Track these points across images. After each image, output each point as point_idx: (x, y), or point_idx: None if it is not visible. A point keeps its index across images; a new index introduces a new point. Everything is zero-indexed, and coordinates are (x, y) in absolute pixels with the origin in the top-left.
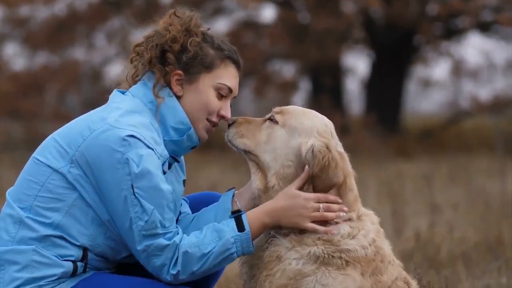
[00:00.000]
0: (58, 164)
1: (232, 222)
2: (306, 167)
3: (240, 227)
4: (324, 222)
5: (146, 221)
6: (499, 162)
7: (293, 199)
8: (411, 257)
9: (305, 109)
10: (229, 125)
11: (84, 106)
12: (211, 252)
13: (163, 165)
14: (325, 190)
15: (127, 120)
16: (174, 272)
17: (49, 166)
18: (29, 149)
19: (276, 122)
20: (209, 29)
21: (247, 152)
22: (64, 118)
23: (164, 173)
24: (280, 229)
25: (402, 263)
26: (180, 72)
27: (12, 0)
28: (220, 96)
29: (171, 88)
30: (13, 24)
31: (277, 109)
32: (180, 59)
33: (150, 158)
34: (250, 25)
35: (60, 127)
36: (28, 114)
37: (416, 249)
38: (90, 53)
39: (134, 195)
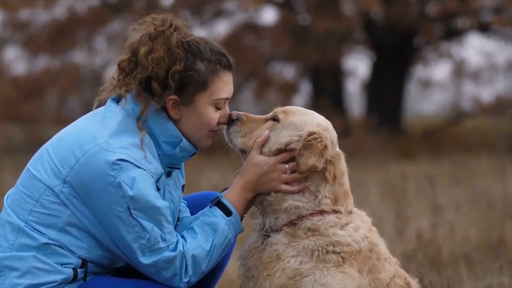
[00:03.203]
0: (51, 182)
1: (218, 210)
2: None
3: (227, 211)
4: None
5: (148, 239)
6: (500, 162)
7: (260, 167)
8: (413, 257)
9: (307, 110)
10: (231, 121)
11: (85, 109)
12: (213, 246)
13: (157, 181)
14: (304, 171)
15: (117, 141)
16: (187, 279)
17: (42, 182)
18: (30, 153)
19: (278, 121)
20: (191, 35)
21: (244, 151)
22: (65, 121)
23: (158, 189)
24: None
25: (404, 263)
26: (174, 97)
27: (13, 4)
28: (219, 108)
29: (167, 112)
30: (14, 28)
31: (279, 109)
32: (169, 83)
33: (143, 179)
34: (251, 27)
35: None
36: (29, 118)
37: (418, 250)
38: (91, 57)
39: (132, 216)
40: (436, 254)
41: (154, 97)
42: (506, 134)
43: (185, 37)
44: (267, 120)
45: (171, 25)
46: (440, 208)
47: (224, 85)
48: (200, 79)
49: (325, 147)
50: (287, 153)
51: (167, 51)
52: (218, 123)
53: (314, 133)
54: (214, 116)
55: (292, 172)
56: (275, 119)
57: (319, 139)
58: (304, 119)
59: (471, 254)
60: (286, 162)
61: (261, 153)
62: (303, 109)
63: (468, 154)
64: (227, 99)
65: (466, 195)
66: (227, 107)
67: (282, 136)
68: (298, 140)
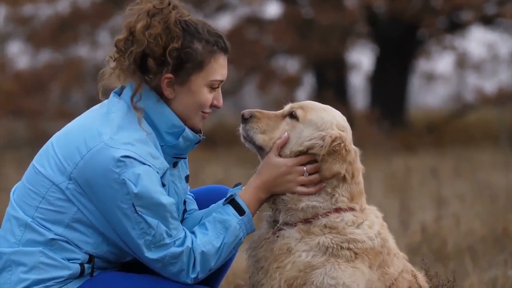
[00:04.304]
0: (56, 179)
1: (231, 209)
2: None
3: (240, 210)
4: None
5: (153, 235)
6: (503, 154)
7: (277, 169)
8: (418, 250)
9: (324, 105)
10: (245, 119)
11: (88, 104)
12: (223, 244)
13: (162, 177)
14: (328, 177)
15: (122, 137)
16: (194, 275)
17: (48, 179)
18: (32, 147)
19: (297, 119)
20: (189, 15)
21: (262, 149)
22: (67, 116)
23: (164, 185)
24: (275, 205)
25: (409, 256)
26: (170, 75)
27: None
28: (213, 89)
29: (162, 91)
30: (17, 22)
31: (295, 104)
32: (165, 61)
33: (148, 176)
34: (254, 21)
35: (63, 125)
36: (32, 113)
37: (423, 242)
38: (94, 51)
39: (137, 213)
40: (440, 246)
41: (149, 75)
42: (508, 126)
43: (183, 17)
44: (284, 116)
45: (169, 4)
46: (444, 200)
47: (220, 67)
48: (197, 59)
49: (348, 151)
50: (307, 156)
51: (165, 28)
52: (211, 106)
53: (337, 138)
54: (208, 97)
55: (310, 174)
56: (293, 115)
57: (342, 144)
58: (324, 117)
59: (476, 246)
60: (304, 164)
61: (280, 154)
62: (320, 104)
63: (471, 147)
64: (221, 81)
65: (470, 187)
66: (220, 92)
67: (303, 137)
68: (321, 146)
